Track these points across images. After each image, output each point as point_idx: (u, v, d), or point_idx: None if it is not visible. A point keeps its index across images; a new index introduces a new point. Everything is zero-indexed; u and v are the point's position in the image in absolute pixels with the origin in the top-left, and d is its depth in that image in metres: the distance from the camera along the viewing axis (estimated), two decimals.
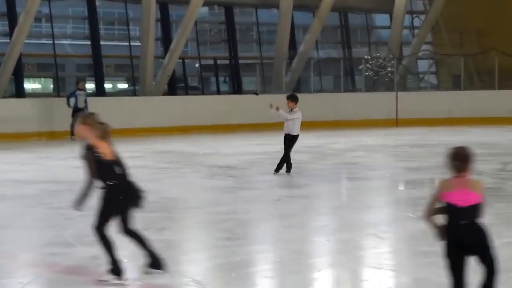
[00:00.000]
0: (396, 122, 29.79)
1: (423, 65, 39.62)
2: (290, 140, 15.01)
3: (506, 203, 11.14)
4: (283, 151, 15.12)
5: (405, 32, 37.75)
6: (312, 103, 29.68)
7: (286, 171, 15.04)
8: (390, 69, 33.09)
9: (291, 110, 15.04)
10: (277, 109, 15.08)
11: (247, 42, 36.94)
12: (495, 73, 31.63)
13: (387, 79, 33.17)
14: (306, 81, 33.71)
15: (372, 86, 33.84)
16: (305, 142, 22.76)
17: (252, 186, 13.96)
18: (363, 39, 38.32)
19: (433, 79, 39.69)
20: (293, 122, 14.94)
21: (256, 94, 30.18)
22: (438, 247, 8.29)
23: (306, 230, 9.67)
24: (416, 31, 37.79)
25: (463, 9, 35.98)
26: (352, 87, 35.34)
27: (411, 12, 38.28)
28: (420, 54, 37.14)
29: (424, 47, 37.73)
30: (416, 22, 38.79)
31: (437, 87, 37.84)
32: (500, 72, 31.64)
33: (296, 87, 32.71)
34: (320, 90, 34.46)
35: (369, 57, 33.86)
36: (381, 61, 33.35)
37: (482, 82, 34.92)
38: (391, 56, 33.64)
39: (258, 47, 34.24)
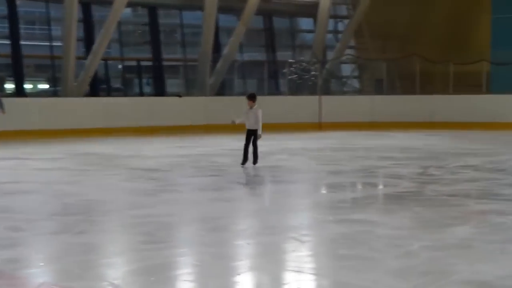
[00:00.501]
0: (319, 126, 30.00)
1: (346, 69, 40.02)
2: (252, 134, 16.85)
3: (425, 207, 11.25)
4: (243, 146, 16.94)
5: (329, 36, 38.06)
6: (236, 106, 29.71)
7: (252, 163, 16.78)
8: (313, 72, 33.32)
9: (251, 108, 16.90)
10: (233, 123, 17.09)
11: (171, 44, 36.76)
12: (417, 78, 32.11)
13: (310, 82, 33.38)
14: (230, 84, 33.73)
15: (296, 89, 34.02)
16: (228, 145, 22.78)
17: (174, 189, 13.84)
18: (287, 43, 38.50)
19: (356, 83, 40.12)
20: (255, 120, 16.83)
21: (180, 96, 30.04)
22: (358, 250, 8.34)
23: (227, 233, 9.61)
24: (339, 35, 38.13)
25: (385, 15, 36.48)
26: (276, 90, 35.47)
27: (335, 17, 38.64)
28: (343, 58, 37.49)
29: (348, 51, 38.13)
30: (340, 26, 39.17)
31: (359, 91, 38.26)
32: (421, 77, 32.16)
33: (220, 89, 32.69)
34: (244, 93, 34.36)
35: (293, 60, 34.05)
36: (305, 64, 33.57)
37: (403, 87, 35.42)
38: (314, 60, 33.88)
39: (182, 49, 34.10)
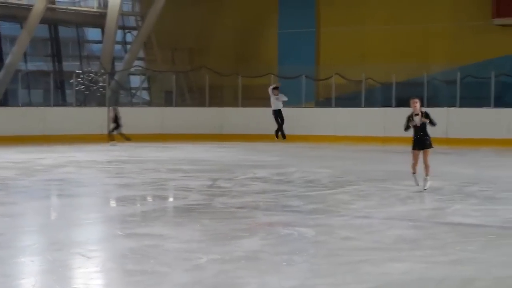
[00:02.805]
0: (108, 138, 29.59)
1: (135, 80, 39.85)
2: (278, 113, 25.10)
3: (214, 219, 11.25)
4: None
5: (118, 47, 37.75)
6: (20, 116, 28.79)
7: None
8: (102, 84, 32.85)
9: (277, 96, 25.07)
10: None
11: None
12: (206, 90, 32.39)
13: (98, 94, 32.91)
14: (13, 94, 32.66)
15: (84, 100, 33.42)
16: (11, 157, 21.97)
17: None
18: (74, 53, 37.82)
19: (145, 95, 40.02)
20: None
21: None
22: (147, 265, 8.18)
23: (10, 250, 9.16)
24: (128, 46, 37.90)
25: (175, 27, 36.69)
26: (62, 101, 34.73)
27: (123, 28, 38.36)
28: (132, 69, 37.28)
29: (137, 62, 37.97)
30: (129, 37, 38.95)
31: (149, 103, 38.18)
32: (210, 90, 32.48)
33: (3, 100, 31.62)
34: (29, 104, 33.52)
35: (81, 71, 33.44)
36: (93, 75, 33.04)
37: (193, 99, 35.68)
38: (102, 71, 33.43)
39: None
